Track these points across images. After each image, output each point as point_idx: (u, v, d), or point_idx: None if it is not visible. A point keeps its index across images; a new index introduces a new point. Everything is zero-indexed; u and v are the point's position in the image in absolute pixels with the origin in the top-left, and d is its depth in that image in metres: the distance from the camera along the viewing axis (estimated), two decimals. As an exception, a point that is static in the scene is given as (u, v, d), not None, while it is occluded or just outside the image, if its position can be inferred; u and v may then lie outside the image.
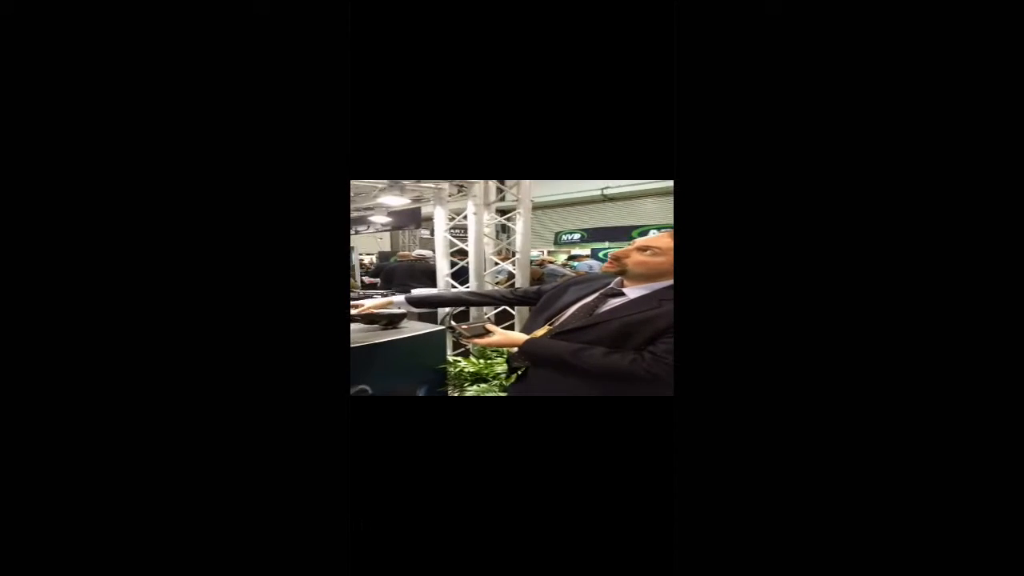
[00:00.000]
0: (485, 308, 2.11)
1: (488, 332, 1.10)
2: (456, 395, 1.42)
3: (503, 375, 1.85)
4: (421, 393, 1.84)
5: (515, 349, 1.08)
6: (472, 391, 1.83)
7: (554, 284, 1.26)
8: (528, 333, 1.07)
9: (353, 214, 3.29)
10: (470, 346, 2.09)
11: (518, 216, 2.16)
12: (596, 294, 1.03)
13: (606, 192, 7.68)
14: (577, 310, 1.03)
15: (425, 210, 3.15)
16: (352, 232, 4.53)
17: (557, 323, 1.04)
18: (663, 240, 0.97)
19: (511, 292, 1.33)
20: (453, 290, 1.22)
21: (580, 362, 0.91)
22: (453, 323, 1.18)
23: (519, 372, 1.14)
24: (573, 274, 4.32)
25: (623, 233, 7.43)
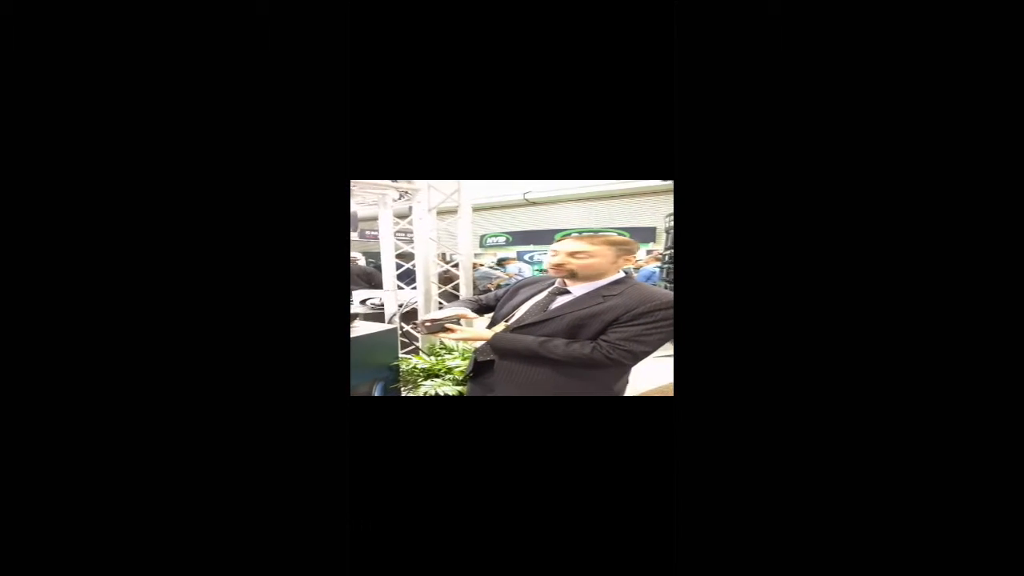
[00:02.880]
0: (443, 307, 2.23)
1: (451, 329, 1.21)
2: (455, 395, 1.48)
3: (457, 369, 1.98)
4: (377, 390, 1.92)
5: (480, 344, 1.19)
6: (426, 386, 1.93)
7: (507, 287, 1.38)
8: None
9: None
10: (428, 342, 2.18)
11: (459, 220, 2.30)
12: (545, 292, 1.13)
13: (528, 196, 8.00)
14: (531, 307, 1.12)
15: (362, 213, 3.16)
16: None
17: (512, 320, 1.14)
18: (587, 242, 1.04)
19: (481, 299, 1.43)
20: (457, 307, 1.28)
21: (547, 352, 1.00)
22: (427, 321, 1.25)
23: (479, 363, 1.25)
24: (505, 276, 4.51)
25: (547, 236, 7.77)
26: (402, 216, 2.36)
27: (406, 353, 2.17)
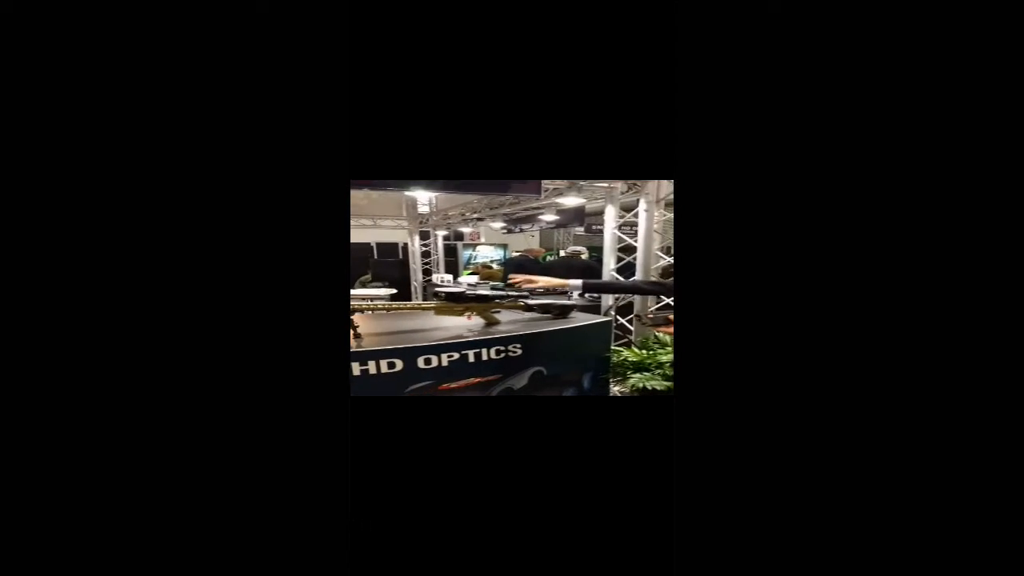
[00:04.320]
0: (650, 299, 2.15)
1: (671, 321, 1.17)
2: (455, 395, 1.49)
3: (668, 364, 1.89)
4: (586, 381, 1.98)
5: None
6: (634, 379, 1.90)
7: None
8: None
9: (522, 213, 3.58)
10: (642, 335, 2.15)
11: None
12: None
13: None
14: None
15: (589, 207, 3.28)
16: (516, 231, 4.89)
17: None
18: None
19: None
20: (626, 279, 1.30)
21: None
22: (646, 315, 1.23)
23: None
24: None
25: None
26: (628, 209, 2.35)
27: (619, 345, 2.17)
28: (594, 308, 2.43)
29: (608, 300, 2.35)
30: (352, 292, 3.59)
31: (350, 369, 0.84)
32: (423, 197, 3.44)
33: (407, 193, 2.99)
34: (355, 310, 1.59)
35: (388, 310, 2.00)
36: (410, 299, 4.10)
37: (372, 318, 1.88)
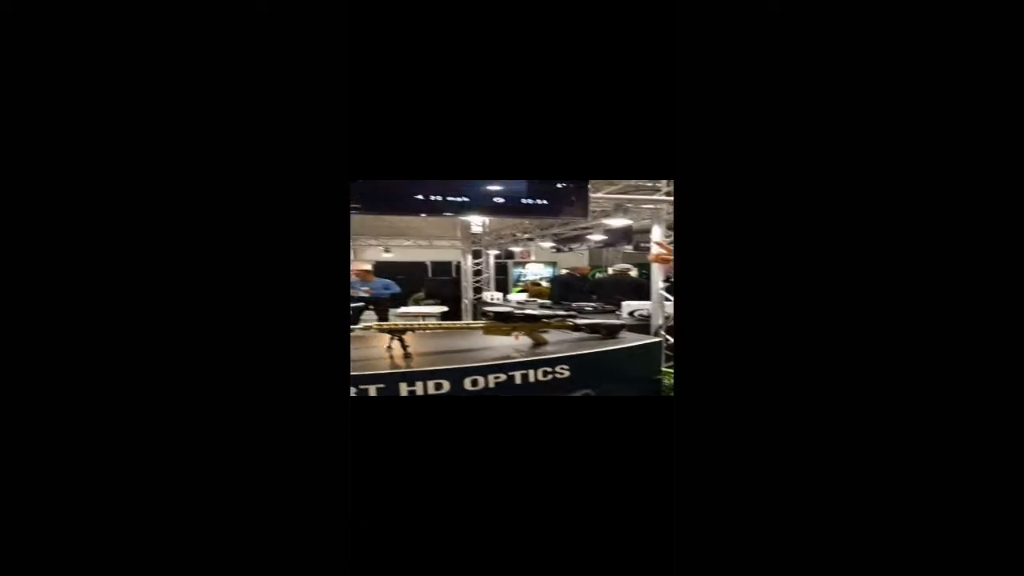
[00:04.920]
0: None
1: None
2: (455, 395, 1.47)
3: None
4: (636, 400, 1.95)
5: None
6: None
7: None
8: None
9: (570, 233, 3.61)
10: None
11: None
12: None
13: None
14: None
15: (637, 225, 3.26)
16: (566, 250, 4.93)
17: None
18: None
19: None
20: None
21: None
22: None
23: None
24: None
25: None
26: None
27: (669, 366, 2.12)
28: (643, 328, 2.40)
29: (658, 319, 2.32)
30: (404, 310, 3.75)
31: (349, 369, 0.86)
32: (476, 220, 3.56)
33: (462, 218, 3.11)
34: (406, 329, 1.68)
35: (438, 329, 2.09)
36: (460, 317, 4.22)
37: (422, 337, 1.97)
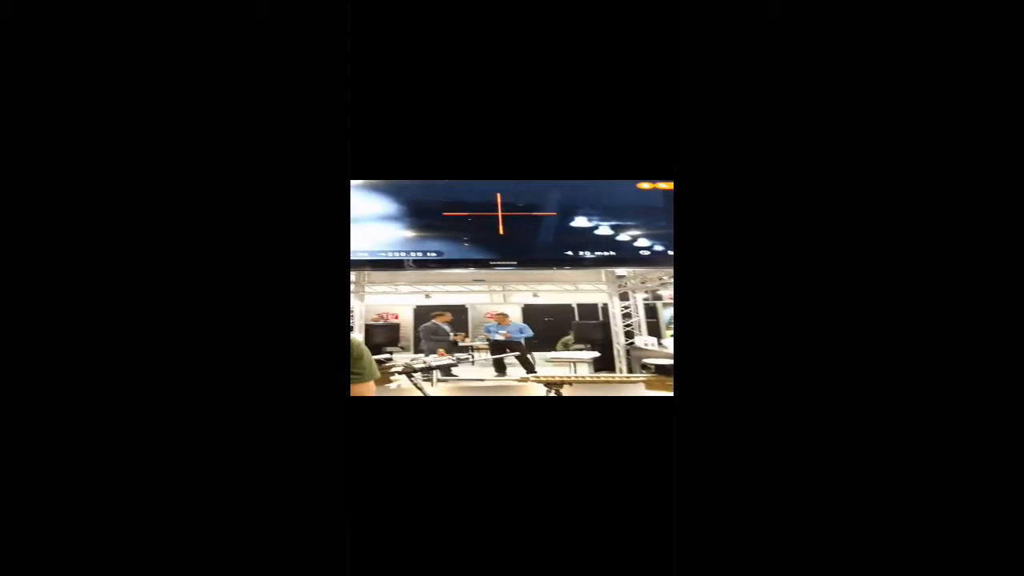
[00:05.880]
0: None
1: None
2: (455, 396, 1.28)
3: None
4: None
5: None
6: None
7: None
8: None
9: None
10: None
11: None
12: None
13: None
14: None
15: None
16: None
17: None
18: None
19: None
20: None
21: None
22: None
23: None
24: None
25: None
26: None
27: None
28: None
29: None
30: (555, 355, 3.77)
31: (349, 369, 0.86)
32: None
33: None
34: (562, 382, 1.66)
35: (596, 382, 2.03)
36: (612, 363, 4.10)
37: (579, 388, 1.93)
